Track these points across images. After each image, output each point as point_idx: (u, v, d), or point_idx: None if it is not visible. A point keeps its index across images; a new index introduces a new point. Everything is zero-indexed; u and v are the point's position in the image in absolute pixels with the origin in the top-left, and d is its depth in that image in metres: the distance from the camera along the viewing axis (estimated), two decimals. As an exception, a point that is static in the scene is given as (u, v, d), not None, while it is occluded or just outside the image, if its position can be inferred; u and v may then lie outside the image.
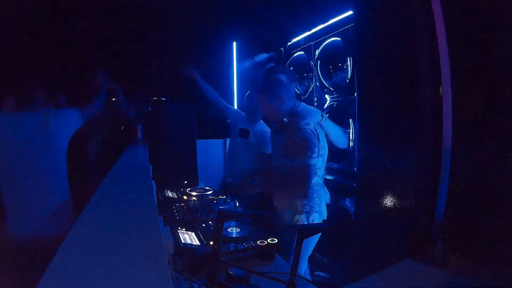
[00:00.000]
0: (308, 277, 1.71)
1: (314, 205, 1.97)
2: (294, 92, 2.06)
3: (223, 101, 3.27)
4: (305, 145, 1.86)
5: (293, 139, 1.90)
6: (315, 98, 3.47)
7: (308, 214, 1.96)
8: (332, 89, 3.23)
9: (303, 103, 2.05)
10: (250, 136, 2.94)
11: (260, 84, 2.05)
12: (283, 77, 2.00)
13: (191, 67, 3.12)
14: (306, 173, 1.89)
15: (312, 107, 2.05)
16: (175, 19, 3.73)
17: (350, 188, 2.80)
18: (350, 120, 2.95)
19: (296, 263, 1.10)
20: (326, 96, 3.31)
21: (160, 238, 0.83)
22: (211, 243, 1.37)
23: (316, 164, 1.93)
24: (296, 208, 1.96)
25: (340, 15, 2.99)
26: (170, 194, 2.32)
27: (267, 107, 2.03)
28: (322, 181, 2.05)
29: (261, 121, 3.03)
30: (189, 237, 1.52)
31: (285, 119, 1.99)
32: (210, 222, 1.72)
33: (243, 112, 3.18)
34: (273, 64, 4.12)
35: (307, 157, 1.87)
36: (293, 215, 1.97)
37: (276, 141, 2.15)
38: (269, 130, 2.79)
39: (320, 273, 2.83)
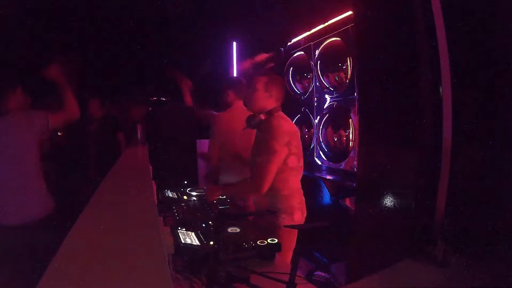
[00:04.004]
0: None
1: (293, 203, 1.95)
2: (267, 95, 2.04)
3: None
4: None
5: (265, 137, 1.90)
6: (315, 98, 3.47)
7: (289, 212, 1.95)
8: (332, 89, 3.23)
9: (283, 117, 1.98)
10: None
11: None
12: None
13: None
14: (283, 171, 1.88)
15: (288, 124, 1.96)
16: (175, 19, 3.73)
17: (350, 188, 2.80)
18: (350, 120, 2.95)
19: (296, 263, 1.10)
20: (326, 96, 3.31)
21: (160, 238, 0.83)
22: (211, 243, 1.37)
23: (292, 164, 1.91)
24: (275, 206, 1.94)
25: (340, 15, 2.99)
26: (170, 194, 2.31)
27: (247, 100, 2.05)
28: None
29: None
30: (189, 237, 1.52)
31: (261, 116, 1.99)
32: (210, 222, 1.72)
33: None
34: (273, 64, 4.13)
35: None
36: (278, 215, 1.94)
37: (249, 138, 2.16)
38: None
39: (320, 273, 2.83)
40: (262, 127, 1.97)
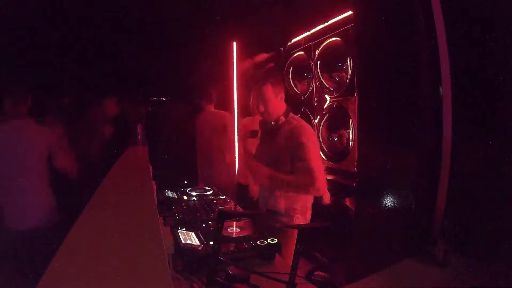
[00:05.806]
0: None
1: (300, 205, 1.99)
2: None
3: None
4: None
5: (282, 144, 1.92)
6: (315, 98, 3.47)
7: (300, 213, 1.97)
8: (332, 89, 3.23)
9: (300, 120, 2.01)
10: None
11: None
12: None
13: None
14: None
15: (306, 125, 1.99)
16: (175, 19, 3.72)
17: (350, 188, 2.80)
18: (350, 120, 2.95)
19: (296, 263, 1.10)
20: (326, 96, 3.30)
21: (160, 238, 0.83)
22: (211, 243, 1.37)
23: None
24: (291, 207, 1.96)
25: (340, 15, 2.99)
26: (170, 194, 2.31)
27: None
28: None
29: None
30: (189, 237, 1.52)
31: (281, 119, 1.99)
32: (210, 222, 1.72)
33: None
34: (273, 64, 4.13)
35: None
36: (291, 216, 1.96)
37: (265, 142, 2.16)
38: None
39: (320, 273, 2.83)
40: (290, 131, 1.94)
